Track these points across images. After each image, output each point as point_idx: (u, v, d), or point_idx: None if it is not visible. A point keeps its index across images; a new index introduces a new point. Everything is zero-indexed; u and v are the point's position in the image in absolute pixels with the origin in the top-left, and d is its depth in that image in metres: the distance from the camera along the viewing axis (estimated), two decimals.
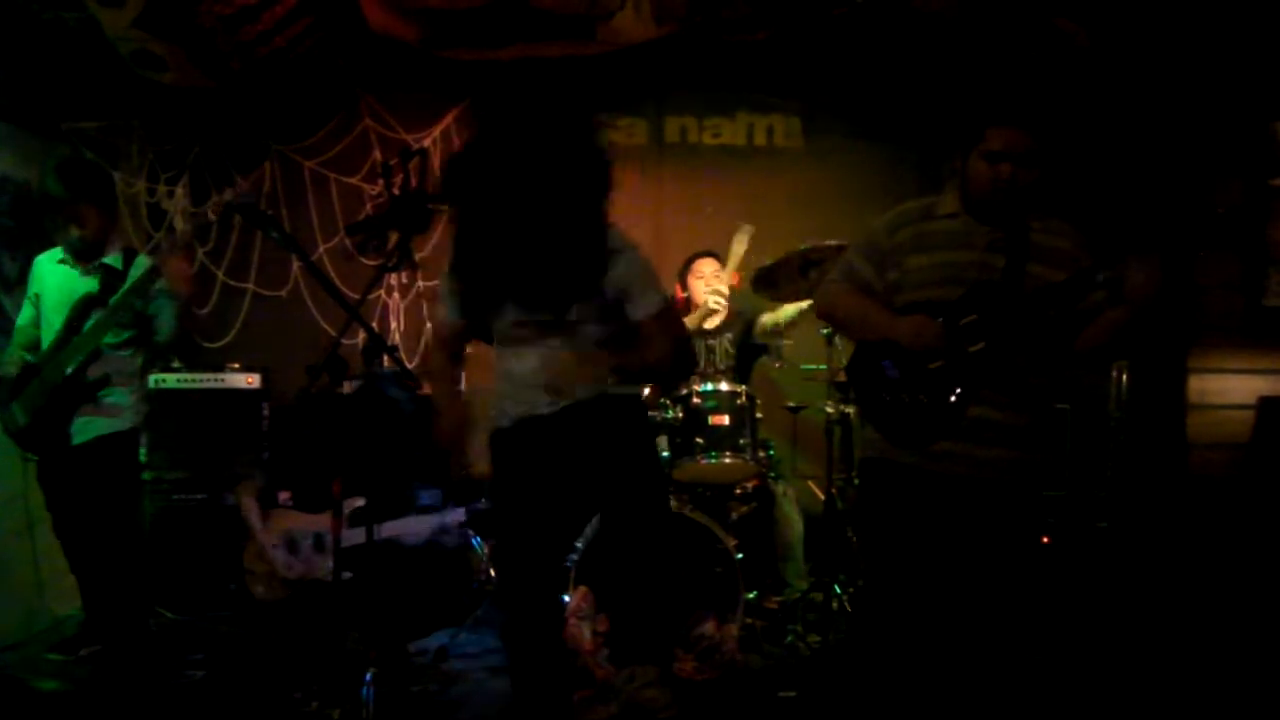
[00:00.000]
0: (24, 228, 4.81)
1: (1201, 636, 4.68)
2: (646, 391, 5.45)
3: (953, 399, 3.31)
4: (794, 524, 5.56)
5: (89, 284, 4.56)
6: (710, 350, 5.93)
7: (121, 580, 4.59)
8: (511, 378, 3.41)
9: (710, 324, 5.95)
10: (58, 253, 4.65)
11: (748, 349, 5.89)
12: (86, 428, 4.53)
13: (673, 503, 5.07)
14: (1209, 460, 5.31)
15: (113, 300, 4.46)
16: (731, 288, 5.95)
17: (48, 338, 4.56)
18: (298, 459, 5.10)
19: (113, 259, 4.60)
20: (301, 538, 4.96)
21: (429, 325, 6.60)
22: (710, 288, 5.83)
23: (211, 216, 4.63)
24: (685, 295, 6.03)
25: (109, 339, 4.48)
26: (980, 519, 3.33)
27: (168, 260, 4.44)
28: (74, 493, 4.58)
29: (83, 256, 4.58)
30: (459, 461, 5.27)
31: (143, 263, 4.58)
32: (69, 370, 4.45)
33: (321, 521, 4.88)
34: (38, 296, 4.66)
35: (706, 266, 5.91)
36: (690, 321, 5.85)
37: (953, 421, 3.30)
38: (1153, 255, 3.11)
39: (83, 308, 4.52)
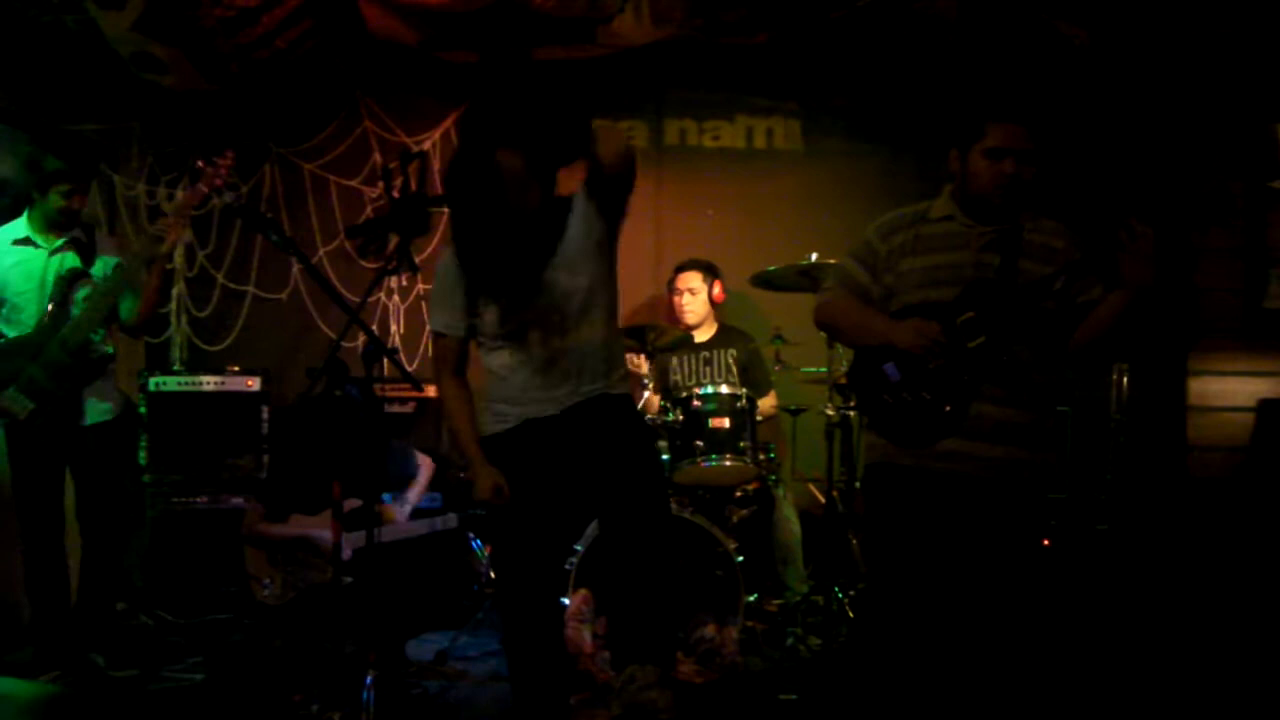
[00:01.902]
0: None
1: (1201, 638, 4.67)
2: (647, 395, 5.48)
3: (955, 395, 3.32)
4: (793, 527, 5.56)
5: (68, 259, 4.66)
6: (707, 362, 5.95)
7: (107, 569, 4.74)
8: (510, 382, 3.43)
9: (701, 336, 5.97)
10: (12, 232, 4.71)
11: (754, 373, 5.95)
12: (92, 410, 4.65)
13: (673, 505, 5.08)
14: (1209, 462, 5.31)
15: (96, 274, 4.63)
16: (712, 296, 5.98)
17: (23, 319, 4.61)
18: (297, 461, 5.08)
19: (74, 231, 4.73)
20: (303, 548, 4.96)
21: (429, 330, 6.60)
22: (685, 305, 5.91)
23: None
24: (669, 303, 6.08)
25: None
26: (985, 520, 3.33)
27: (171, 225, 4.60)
28: (85, 476, 4.69)
29: (63, 228, 4.68)
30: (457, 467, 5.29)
31: (101, 238, 4.81)
32: (74, 347, 4.52)
33: (315, 525, 4.87)
34: None
35: (683, 281, 6.00)
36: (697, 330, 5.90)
37: (956, 418, 3.31)
38: (1147, 232, 3.13)
39: (69, 282, 4.60)
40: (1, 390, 4.52)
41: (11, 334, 4.61)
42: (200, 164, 4.51)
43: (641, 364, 5.56)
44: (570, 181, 3.44)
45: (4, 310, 4.65)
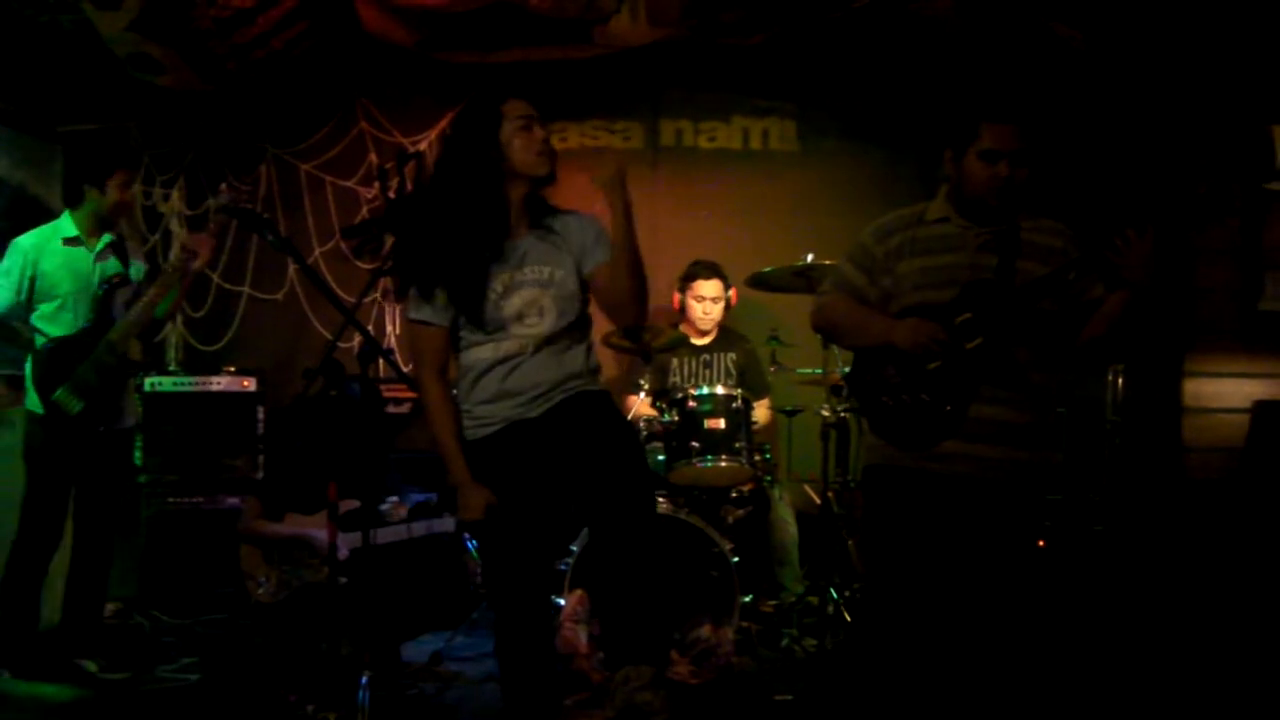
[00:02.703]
0: (19, 231, 4.87)
1: (1198, 639, 4.68)
2: (642, 396, 5.48)
3: (955, 396, 3.32)
4: (789, 528, 5.56)
5: (112, 264, 4.78)
6: (707, 365, 5.94)
7: (100, 574, 4.83)
8: (489, 378, 3.41)
9: (703, 340, 5.96)
10: (61, 231, 4.74)
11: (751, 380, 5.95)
12: (129, 414, 4.85)
13: (669, 506, 5.08)
14: (1204, 464, 5.31)
15: (134, 277, 4.81)
16: (728, 302, 5.96)
17: (69, 319, 4.67)
18: (294, 461, 5.08)
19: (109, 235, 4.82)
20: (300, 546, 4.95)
21: (409, 321, 6.59)
22: (707, 313, 5.87)
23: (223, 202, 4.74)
24: (681, 305, 6.03)
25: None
26: (986, 522, 3.33)
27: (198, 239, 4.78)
28: (103, 477, 4.78)
29: (108, 226, 4.79)
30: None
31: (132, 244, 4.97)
32: (122, 351, 4.62)
33: (313, 524, 4.87)
34: (34, 280, 4.69)
35: (707, 289, 5.91)
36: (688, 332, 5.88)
37: (955, 419, 3.31)
38: (1146, 235, 3.13)
39: (113, 286, 4.70)
40: (54, 389, 4.55)
41: (57, 333, 4.66)
42: (224, 188, 4.58)
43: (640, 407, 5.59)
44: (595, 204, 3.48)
45: (51, 309, 4.69)
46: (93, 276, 4.72)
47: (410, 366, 4.11)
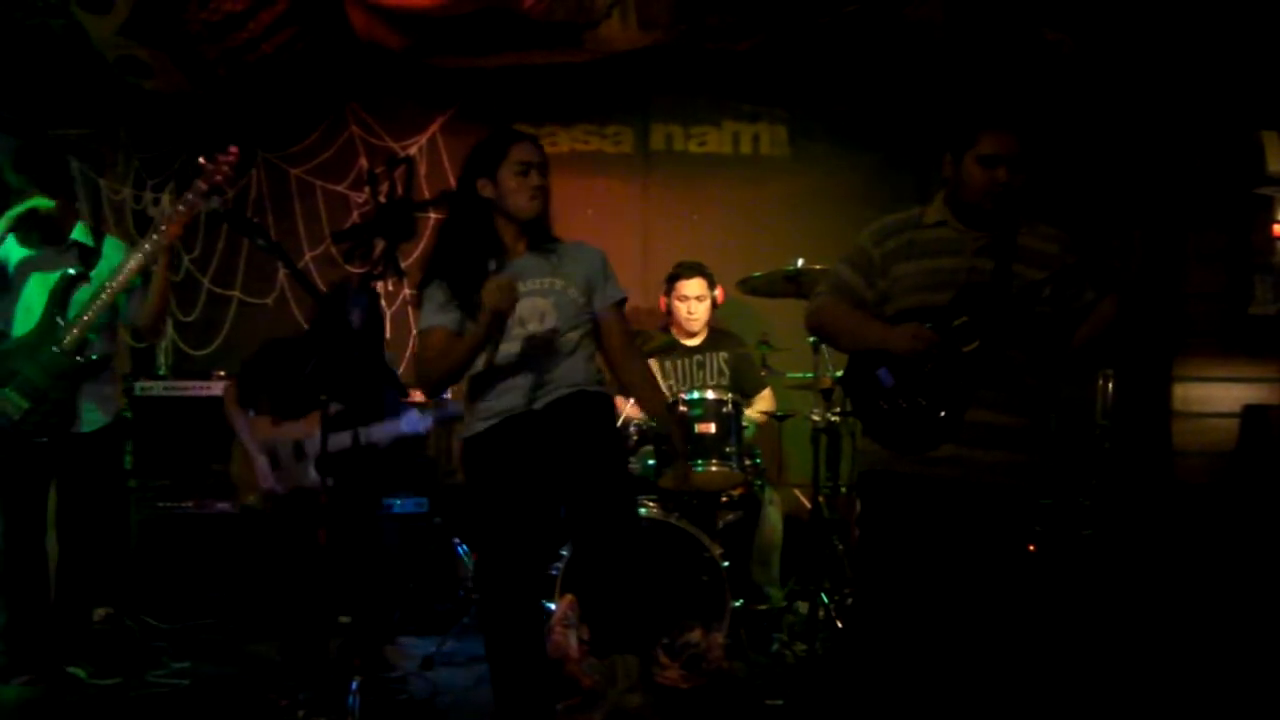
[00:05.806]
0: None
1: (1187, 643, 4.68)
2: (631, 401, 5.47)
3: (951, 400, 3.32)
4: (774, 533, 5.53)
5: (66, 263, 4.59)
6: (700, 365, 5.92)
7: (84, 579, 4.69)
8: (491, 373, 3.48)
9: (694, 341, 5.94)
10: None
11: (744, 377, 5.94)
12: (89, 416, 4.55)
13: (659, 511, 5.07)
14: (1193, 468, 5.32)
15: (94, 274, 4.54)
16: (714, 300, 5.94)
17: (26, 320, 4.53)
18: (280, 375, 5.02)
19: (80, 234, 4.63)
20: (281, 447, 4.88)
21: (415, 333, 6.60)
22: (692, 313, 5.84)
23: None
24: (667, 308, 6.00)
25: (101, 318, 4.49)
26: (981, 526, 3.34)
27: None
28: (72, 482, 4.62)
29: (51, 240, 4.59)
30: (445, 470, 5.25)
31: (115, 244, 4.71)
32: (71, 347, 4.45)
33: (300, 429, 4.81)
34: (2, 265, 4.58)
35: (690, 288, 5.88)
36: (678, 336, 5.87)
37: (952, 423, 3.31)
38: (1131, 236, 3.16)
39: (66, 286, 4.52)
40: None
41: (16, 329, 4.54)
42: (202, 160, 4.47)
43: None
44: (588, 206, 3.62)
45: (18, 305, 4.56)
46: (51, 279, 4.59)
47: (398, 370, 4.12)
